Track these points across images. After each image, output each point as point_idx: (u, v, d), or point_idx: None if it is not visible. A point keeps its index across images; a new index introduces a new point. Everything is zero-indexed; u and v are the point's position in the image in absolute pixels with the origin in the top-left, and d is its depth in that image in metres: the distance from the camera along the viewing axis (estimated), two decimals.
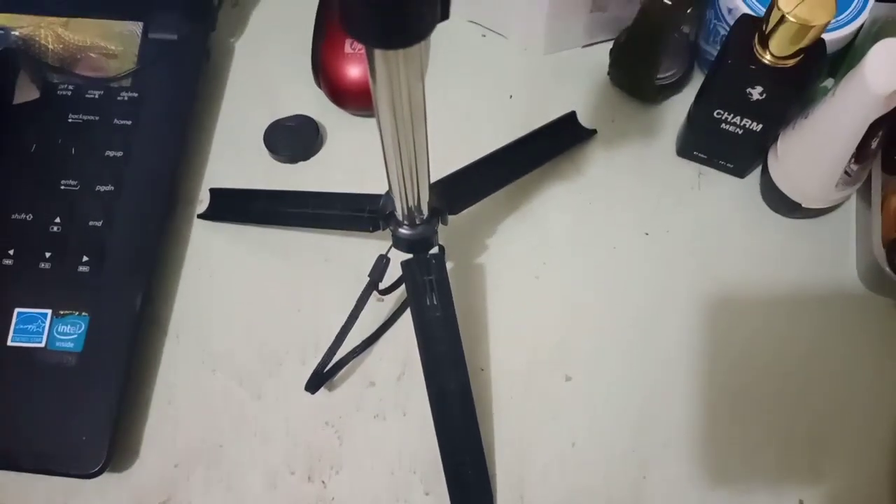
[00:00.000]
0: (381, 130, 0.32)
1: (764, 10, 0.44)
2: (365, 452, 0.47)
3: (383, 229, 0.44)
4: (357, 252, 0.51)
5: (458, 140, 0.50)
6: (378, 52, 0.26)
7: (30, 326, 0.47)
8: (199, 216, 0.53)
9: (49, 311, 0.48)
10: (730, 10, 0.50)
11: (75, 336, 0.47)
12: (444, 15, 0.25)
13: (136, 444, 0.47)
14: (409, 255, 0.45)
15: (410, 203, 0.40)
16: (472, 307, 0.51)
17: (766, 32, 0.43)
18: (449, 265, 0.45)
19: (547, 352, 0.50)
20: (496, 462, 0.47)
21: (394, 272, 0.46)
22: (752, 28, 0.45)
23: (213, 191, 0.54)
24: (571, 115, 0.55)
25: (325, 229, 0.52)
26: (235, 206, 0.53)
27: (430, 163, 0.37)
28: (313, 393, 0.47)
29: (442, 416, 0.44)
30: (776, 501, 0.46)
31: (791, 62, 0.44)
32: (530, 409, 0.48)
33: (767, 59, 0.44)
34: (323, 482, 0.47)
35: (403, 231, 0.43)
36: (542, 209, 0.54)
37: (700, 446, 0.47)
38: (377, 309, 0.50)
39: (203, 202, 0.54)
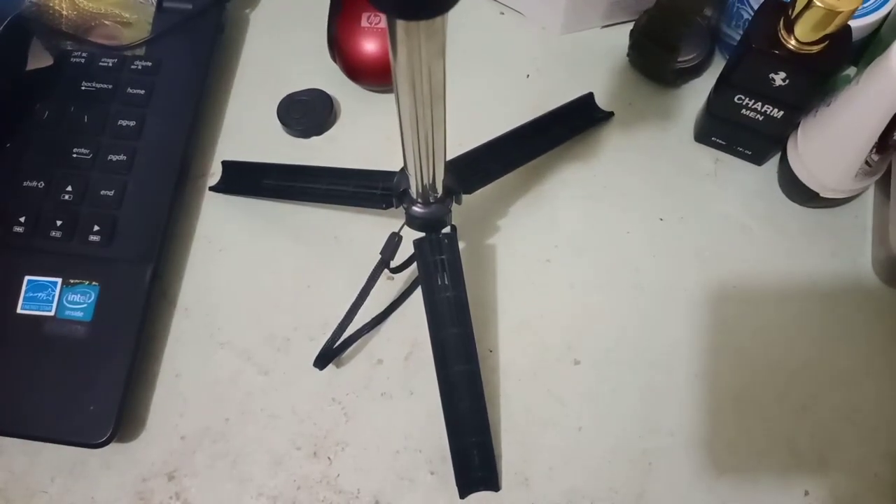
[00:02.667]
0: (398, 106, 0.32)
1: None
2: (371, 430, 0.47)
3: (396, 207, 0.44)
4: (367, 230, 0.51)
5: (473, 118, 0.50)
6: (400, 24, 0.26)
7: (39, 294, 0.47)
8: (211, 188, 0.53)
9: (59, 280, 0.48)
10: None
11: (85, 305, 0.47)
12: None
13: (143, 415, 0.47)
14: (421, 234, 0.45)
15: (425, 181, 0.39)
16: (483, 288, 0.50)
17: (792, 17, 0.42)
18: (460, 245, 0.45)
19: (556, 335, 0.49)
20: (502, 444, 0.47)
21: (404, 251, 0.46)
22: (778, 12, 0.44)
23: (225, 163, 0.53)
24: (589, 97, 0.54)
25: (337, 205, 0.52)
26: (247, 180, 0.53)
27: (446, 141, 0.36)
28: (321, 369, 0.47)
29: (450, 397, 0.44)
30: (782, 491, 0.46)
31: (816, 48, 0.43)
32: (538, 392, 0.48)
33: (792, 44, 0.43)
34: (329, 459, 0.47)
35: (417, 209, 0.42)
36: (556, 191, 0.53)
37: (707, 436, 0.47)
38: (387, 287, 0.50)
39: (215, 175, 0.54)
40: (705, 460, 0.46)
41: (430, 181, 0.39)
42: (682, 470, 0.46)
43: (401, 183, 0.43)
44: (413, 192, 0.41)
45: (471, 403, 0.44)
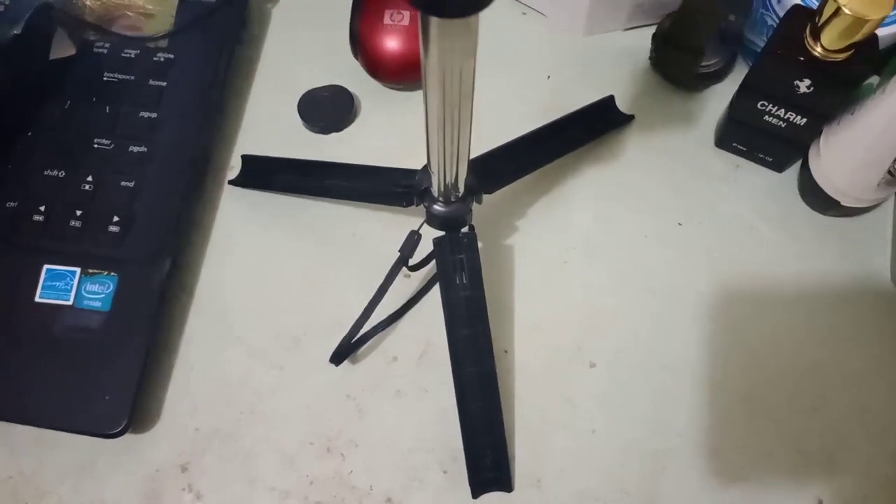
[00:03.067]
0: (426, 105, 0.32)
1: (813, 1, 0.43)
2: (384, 428, 0.47)
3: (417, 205, 0.44)
4: (384, 227, 0.51)
5: (494, 118, 0.50)
6: (433, 22, 0.26)
7: (58, 283, 0.47)
8: (230, 182, 0.53)
9: (78, 270, 0.48)
10: (779, 1, 0.49)
11: (103, 296, 0.47)
12: None
13: (157, 407, 0.48)
14: (440, 233, 0.44)
15: (448, 180, 0.39)
16: (499, 288, 0.50)
17: (819, 24, 0.42)
18: (478, 245, 0.45)
19: (572, 337, 0.49)
20: (515, 444, 0.47)
21: (422, 250, 0.46)
22: (804, 19, 0.44)
23: (244, 157, 0.53)
24: (609, 100, 0.54)
25: (356, 202, 0.52)
26: (267, 174, 0.53)
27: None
28: (337, 365, 0.47)
29: (464, 397, 0.44)
30: (792, 493, 0.46)
31: (841, 56, 0.43)
32: (552, 394, 0.48)
33: (818, 51, 0.43)
34: (342, 455, 0.47)
35: (438, 208, 0.42)
36: (575, 193, 0.53)
37: (718, 438, 0.47)
38: (403, 285, 0.50)
39: (234, 169, 0.54)
40: (716, 463, 0.46)
41: (453, 180, 0.39)
42: (693, 472, 0.46)
43: (422, 181, 0.43)
44: (434, 190, 0.41)
45: (485, 404, 0.44)
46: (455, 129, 0.33)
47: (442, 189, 0.40)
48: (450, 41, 0.27)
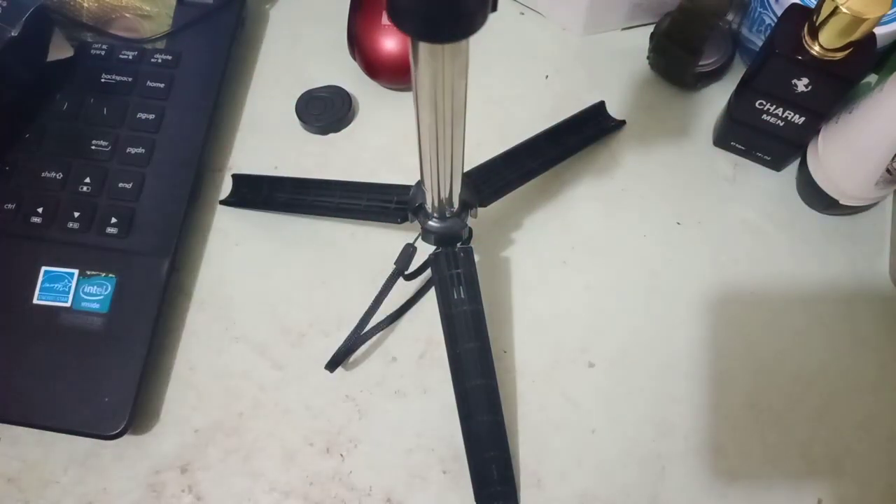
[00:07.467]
0: (418, 125, 0.32)
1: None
2: (384, 428, 0.47)
3: (412, 221, 0.44)
4: (383, 227, 0.51)
5: (491, 120, 0.50)
6: (424, 46, 0.25)
7: (56, 285, 0.47)
8: (222, 202, 0.53)
9: (76, 271, 0.48)
10: (777, 0, 0.49)
11: (101, 297, 0.47)
12: (494, 7, 0.24)
13: (157, 408, 0.48)
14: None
15: (442, 196, 0.39)
16: (498, 288, 0.50)
17: (817, 23, 0.42)
18: (475, 245, 0.45)
19: (571, 337, 0.49)
20: (515, 444, 0.47)
21: (419, 255, 0.46)
22: (801, 18, 0.43)
23: (235, 177, 0.53)
24: (600, 105, 0.54)
25: (352, 219, 0.52)
26: (259, 193, 0.52)
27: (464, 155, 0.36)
28: (332, 372, 0.47)
29: (468, 412, 0.43)
30: (795, 498, 0.46)
31: (839, 55, 0.43)
32: (552, 394, 0.48)
33: (816, 50, 0.43)
34: (341, 455, 0.47)
35: (433, 224, 0.41)
36: (573, 194, 0.53)
37: (721, 441, 0.47)
38: (402, 286, 0.50)
39: (232, 169, 0.54)
40: (719, 465, 0.46)
41: (447, 196, 0.39)
42: (695, 474, 0.46)
43: (416, 197, 0.42)
44: (429, 206, 0.41)
45: (489, 418, 0.44)
46: (448, 147, 0.33)
47: (436, 205, 0.40)
48: (441, 64, 0.26)
